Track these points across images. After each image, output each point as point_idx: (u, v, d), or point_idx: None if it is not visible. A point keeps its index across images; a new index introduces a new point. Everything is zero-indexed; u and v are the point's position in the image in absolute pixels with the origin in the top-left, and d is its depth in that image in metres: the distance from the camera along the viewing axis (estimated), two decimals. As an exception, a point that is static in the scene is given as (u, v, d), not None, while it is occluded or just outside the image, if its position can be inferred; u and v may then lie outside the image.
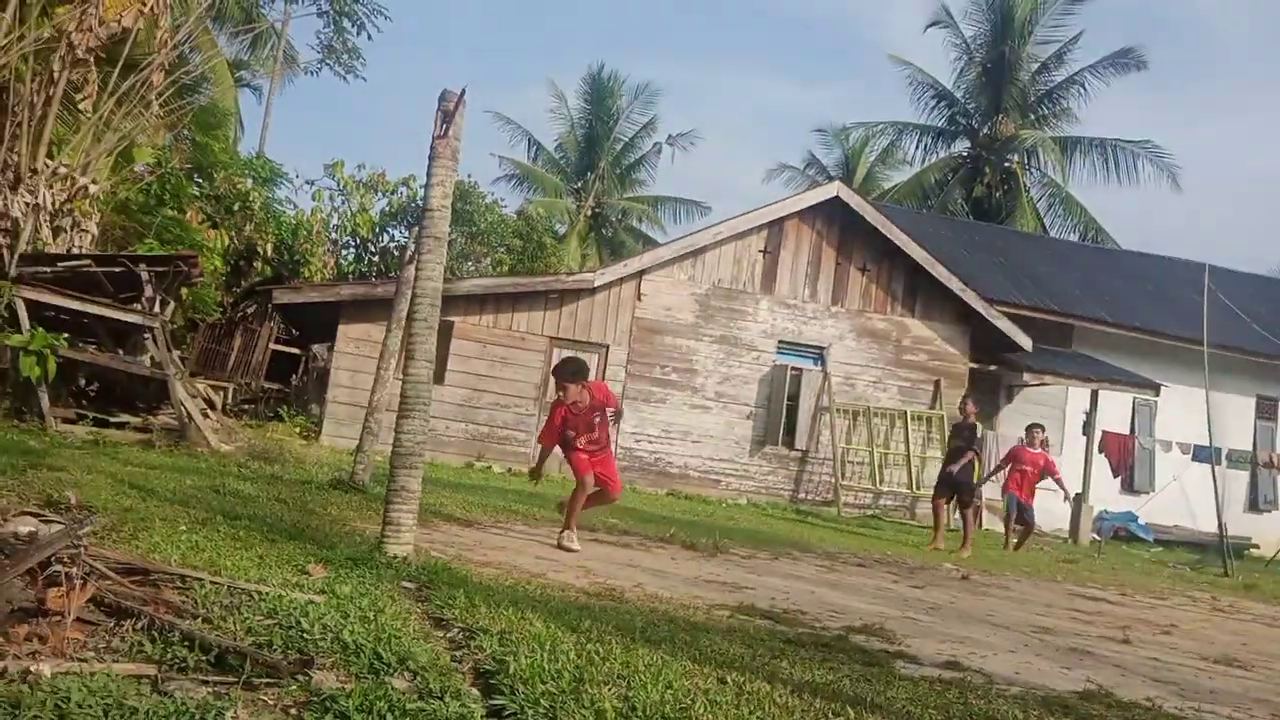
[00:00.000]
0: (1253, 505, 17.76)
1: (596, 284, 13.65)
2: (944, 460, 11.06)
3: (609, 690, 2.61)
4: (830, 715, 2.70)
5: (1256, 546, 16.14)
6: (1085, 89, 26.93)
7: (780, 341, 14.52)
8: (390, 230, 19.77)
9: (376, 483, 7.02)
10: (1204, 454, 14.54)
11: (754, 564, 6.73)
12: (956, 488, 10.44)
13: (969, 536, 10.19)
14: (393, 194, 19.67)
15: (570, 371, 6.39)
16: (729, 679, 2.96)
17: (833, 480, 14.19)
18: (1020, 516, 11.47)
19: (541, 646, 2.94)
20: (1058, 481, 11.68)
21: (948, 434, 12.58)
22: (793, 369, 14.39)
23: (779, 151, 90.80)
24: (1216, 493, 13.91)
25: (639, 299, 13.97)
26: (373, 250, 19.72)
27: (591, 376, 6.94)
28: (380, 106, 79.39)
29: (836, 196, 14.53)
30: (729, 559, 6.77)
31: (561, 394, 6.41)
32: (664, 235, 29.59)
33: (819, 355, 14.65)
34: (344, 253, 19.70)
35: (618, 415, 6.86)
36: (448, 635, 3.17)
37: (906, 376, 14.71)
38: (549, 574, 4.86)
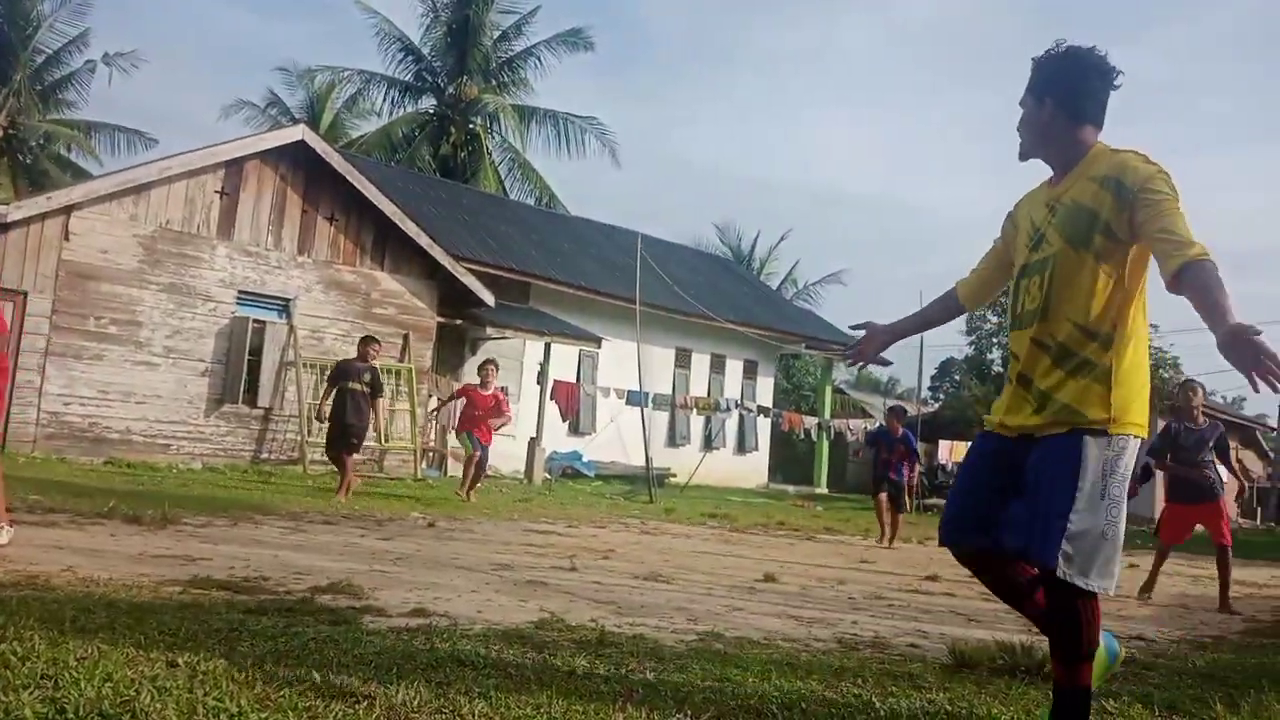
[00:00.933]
0: (671, 441, 20.67)
1: (10, 218, 11.62)
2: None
3: (30, 695, 2.26)
4: (295, 682, 2.61)
5: (674, 475, 18.87)
6: (541, 62, 28.82)
7: (241, 292, 13.63)
8: None
9: None
10: (636, 398, 16.59)
11: (210, 532, 6.28)
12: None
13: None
14: None
15: None
16: (181, 661, 2.72)
17: (298, 438, 13.74)
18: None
19: (-64, 655, 2.45)
20: (506, 419, 12.02)
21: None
22: (255, 321, 13.60)
23: (238, 87, 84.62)
24: (644, 431, 15.97)
25: (66, 239, 12.19)
26: None
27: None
28: None
29: (302, 140, 13.92)
30: (181, 530, 6.24)
31: None
32: (100, 167, 26.04)
33: (284, 307, 14.02)
34: None
35: None
36: None
37: (376, 330, 14.64)
38: (-52, 565, 4.08)
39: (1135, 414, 2.55)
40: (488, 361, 11.80)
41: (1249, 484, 35.52)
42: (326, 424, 10.30)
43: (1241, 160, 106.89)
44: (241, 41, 78.55)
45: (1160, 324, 30.05)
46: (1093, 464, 2.48)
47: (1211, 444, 7.69)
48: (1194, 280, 2.32)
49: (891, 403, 19.52)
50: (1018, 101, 2.75)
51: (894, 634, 4.53)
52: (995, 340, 23.83)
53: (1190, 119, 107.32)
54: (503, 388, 15.53)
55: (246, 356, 13.46)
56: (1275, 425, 36.37)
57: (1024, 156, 2.77)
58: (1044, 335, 2.60)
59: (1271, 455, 35.67)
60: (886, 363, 30.75)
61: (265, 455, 13.74)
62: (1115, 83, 2.68)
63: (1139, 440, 2.57)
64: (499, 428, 11.53)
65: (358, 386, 9.96)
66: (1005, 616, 5.66)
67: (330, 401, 10.10)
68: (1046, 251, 2.63)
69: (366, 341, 10.36)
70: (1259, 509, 33.38)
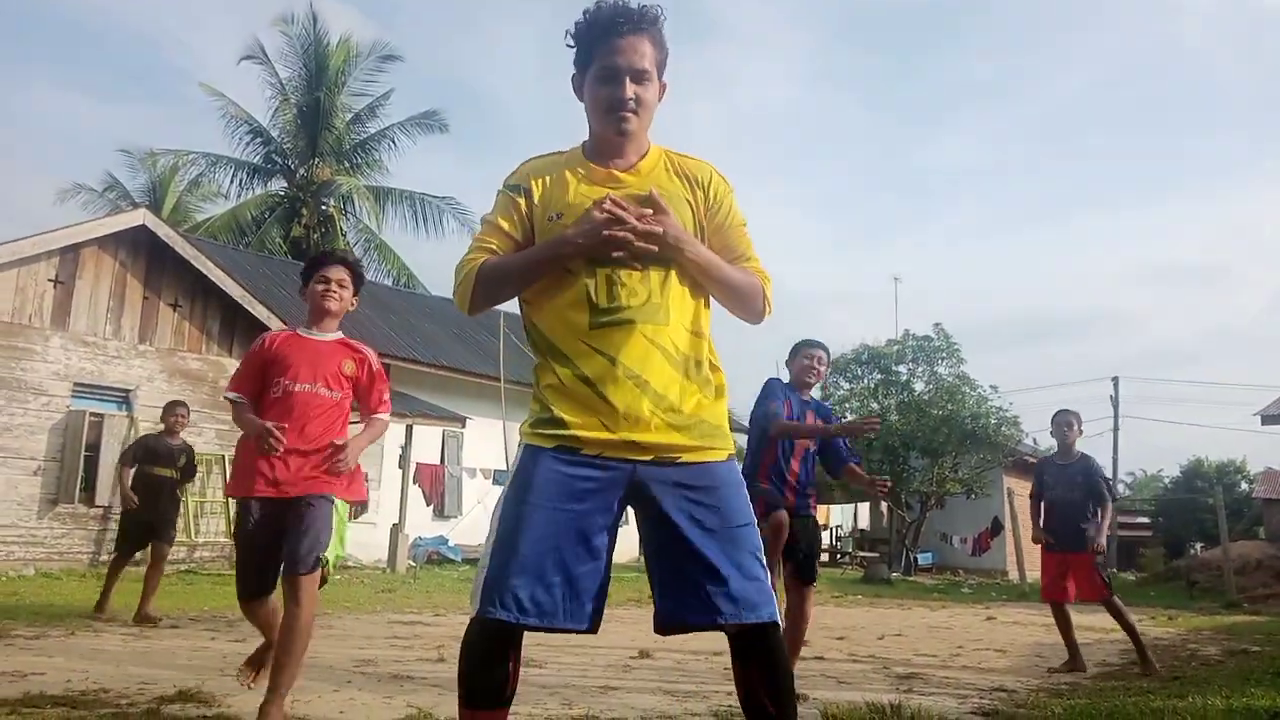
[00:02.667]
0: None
1: None
2: None
3: None
4: (139, 804, 2.41)
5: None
6: (395, 143, 28.74)
7: (76, 384, 12.85)
8: None
9: None
10: (502, 477, 16.29)
11: (44, 644, 5.80)
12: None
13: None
14: None
15: None
16: (7, 790, 2.48)
17: (142, 536, 12.93)
18: None
19: None
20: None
21: None
22: (92, 415, 12.82)
23: (73, 170, 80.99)
24: (513, 512, 15.66)
25: (-121, 335, 11.27)
26: None
27: None
28: None
29: (143, 225, 13.37)
30: (11, 643, 5.75)
31: None
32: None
33: (124, 399, 13.29)
34: None
35: None
36: None
37: (224, 419, 14.04)
38: None
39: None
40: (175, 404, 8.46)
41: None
42: (120, 515, 8.38)
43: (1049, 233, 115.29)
44: (78, 125, 75.47)
45: (999, 385, 31.78)
46: None
47: (1083, 481, 6.69)
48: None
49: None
50: (635, 76, 2.26)
51: (768, 703, 4.53)
52: (847, 406, 24.65)
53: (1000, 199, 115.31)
54: (364, 474, 15.16)
55: (83, 452, 12.64)
56: (1110, 477, 38.66)
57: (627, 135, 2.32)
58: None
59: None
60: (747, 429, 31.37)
61: (105, 557, 12.82)
62: None
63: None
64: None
65: (166, 473, 8.03)
66: (873, 677, 5.76)
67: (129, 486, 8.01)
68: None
69: (172, 409, 8.20)
70: (1100, 556, 35.21)
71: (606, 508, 2.15)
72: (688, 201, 2.31)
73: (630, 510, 2.22)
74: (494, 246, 2.30)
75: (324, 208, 28.01)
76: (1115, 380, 36.48)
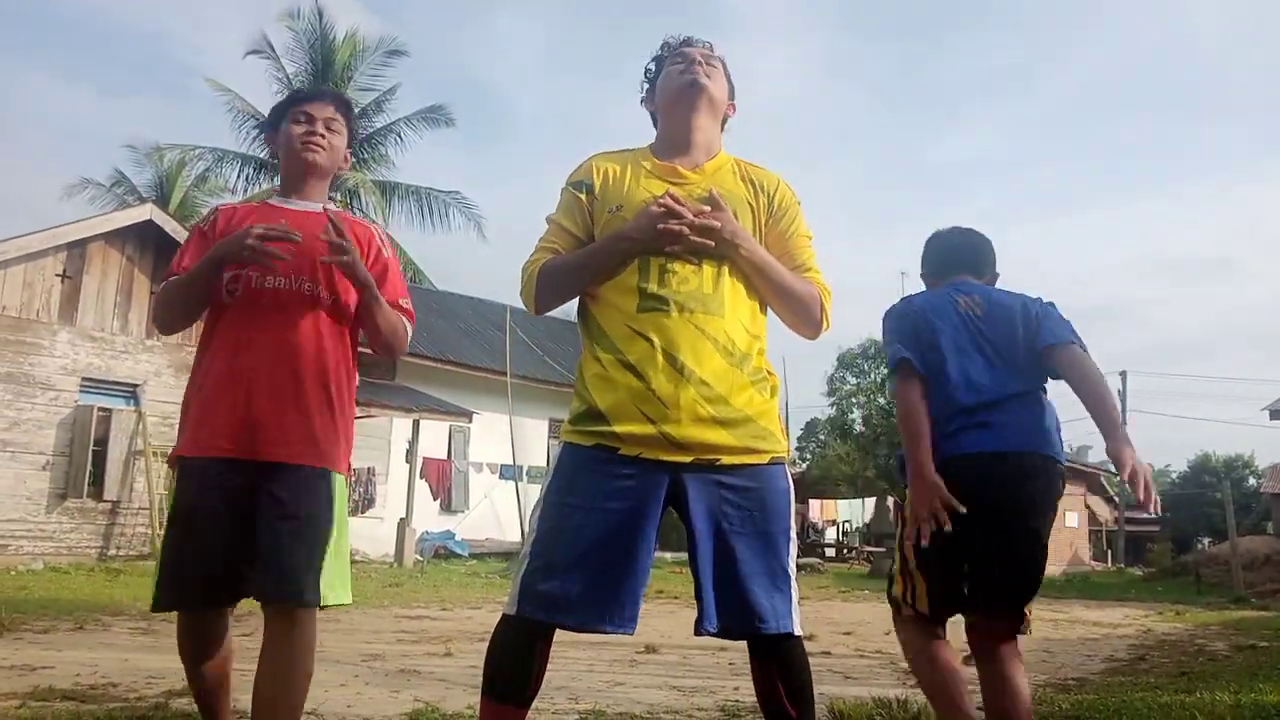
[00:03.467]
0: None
1: None
2: None
3: None
4: (147, 798, 2.42)
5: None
6: (402, 138, 28.72)
7: (84, 379, 12.90)
8: None
9: None
10: (509, 472, 16.38)
11: (53, 638, 5.83)
12: None
13: None
14: None
15: None
16: (16, 784, 2.49)
17: (149, 531, 12.98)
18: None
19: None
20: None
21: None
22: (100, 410, 12.88)
23: (80, 165, 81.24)
24: (519, 506, 15.74)
25: (-112, 330, 11.32)
26: None
27: None
28: None
29: (150, 220, 13.41)
30: (20, 637, 5.77)
31: None
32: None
33: (132, 393, 13.33)
34: None
35: None
36: None
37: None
38: None
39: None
40: None
41: (1098, 528, 37.48)
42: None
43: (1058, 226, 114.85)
44: (84, 121, 75.68)
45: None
46: None
47: None
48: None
49: None
50: (707, 67, 2.40)
51: (775, 698, 4.53)
52: (854, 401, 24.61)
53: (1022, 188, 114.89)
54: (369, 468, 15.21)
55: (91, 447, 12.70)
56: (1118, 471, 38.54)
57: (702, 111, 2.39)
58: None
59: (1117, 500, 37.80)
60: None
61: (113, 551, 12.90)
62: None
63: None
64: None
65: None
66: (880, 672, 5.75)
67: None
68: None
69: None
70: (1109, 551, 35.25)
71: (646, 509, 2.12)
72: (750, 204, 2.33)
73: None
74: (557, 246, 2.33)
75: (330, 202, 28.04)
76: (1123, 374, 36.42)
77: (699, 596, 2.14)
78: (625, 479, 2.11)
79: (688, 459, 2.11)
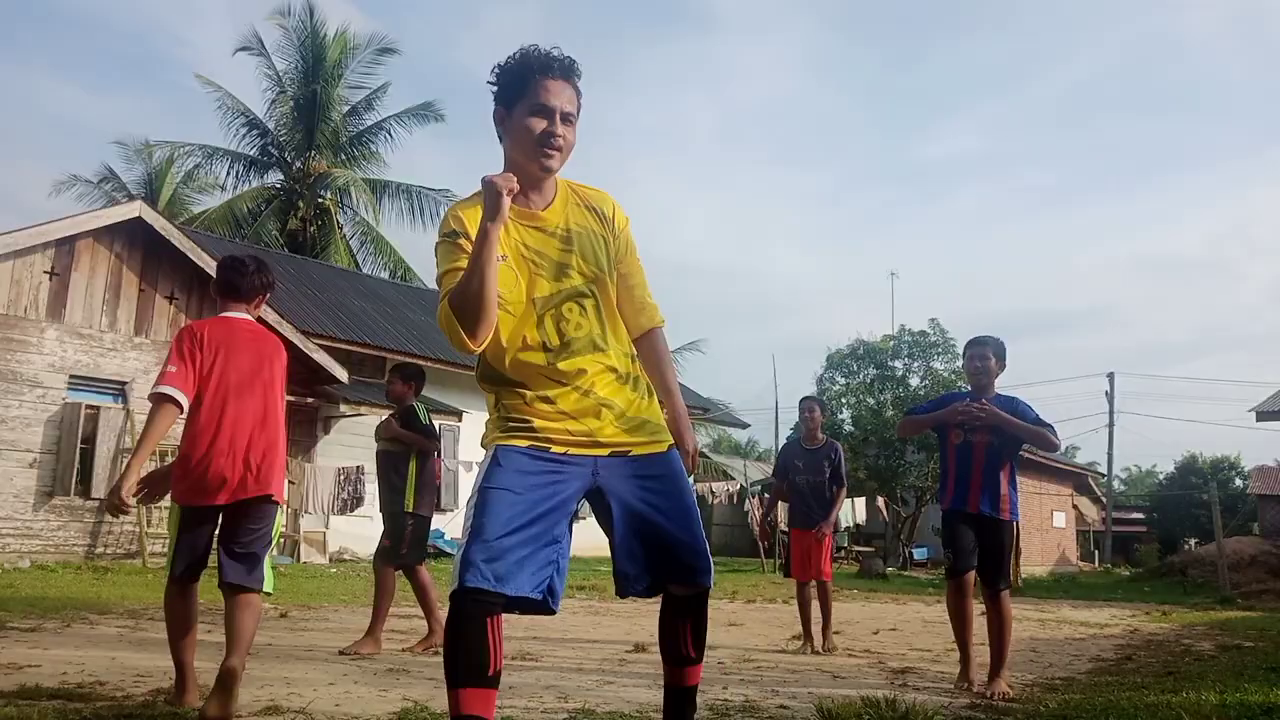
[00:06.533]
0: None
1: None
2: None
3: None
4: (134, 796, 2.42)
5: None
6: (392, 136, 28.69)
7: (72, 376, 12.84)
8: None
9: None
10: (499, 472, 16.34)
11: (40, 636, 5.80)
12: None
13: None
14: None
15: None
16: (3, 782, 2.48)
17: (137, 530, 12.93)
18: None
19: None
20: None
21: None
22: (88, 407, 12.82)
23: (69, 162, 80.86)
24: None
25: (-126, 326, 11.24)
26: None
27: None
28: None
29: (139, 217, 13.35)
30: (6, 635, 5.74)
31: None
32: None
33: (120, 391, 13.27)
34: None
35: None
36: None
37: (221, 412, 14.05)
38: None
39: None
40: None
41: (1085, 529, 37.63)
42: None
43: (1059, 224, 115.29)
44: (73, 116, 75.31)
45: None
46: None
47: (828, 464, 7.05)
48: (660, 342, 2.70)
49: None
50: (564, 118, 2.43)
51: (763, 697, 4.55)
52: (843, 401, 24.66)
53: (1012, 187, 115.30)
54: (358, 466, 15.14)
55: (79, 445, 12.64)
56: (1105, 472, 38.82)
57: (552, 172, 2.49)
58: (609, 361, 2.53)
59: (1104, 500, 37.97)
60: (744, 424, 31.45)
61: (101, 549, 12.85)
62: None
63: None
64: None
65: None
66: (868, 672, 5.77)
67: None
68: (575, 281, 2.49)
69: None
70: (1096, 552, 35.41)
71: (568, 496, 2.38)
72: (602, 237, 2.54)
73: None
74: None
75: (320, 200, 27.96)
76: (1111, 376, 36.56)
77: (628, 561, 2.42)
78: (552, 472, 2.38)
79: (606, 452, 2.45)
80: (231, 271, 4.17)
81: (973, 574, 5.11)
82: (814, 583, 6.97)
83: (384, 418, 6.44)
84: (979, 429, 5.13)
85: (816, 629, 6.88)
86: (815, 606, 6.95)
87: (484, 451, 2.50)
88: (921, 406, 5.87)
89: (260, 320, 4.29)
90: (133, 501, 3.86)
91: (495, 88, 2.47)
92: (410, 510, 6.02)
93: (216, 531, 3.91)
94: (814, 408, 7.32)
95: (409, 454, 6.04)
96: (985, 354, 5.39)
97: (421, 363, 17.99)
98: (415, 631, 6.88)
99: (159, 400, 3.82)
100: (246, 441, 3.82)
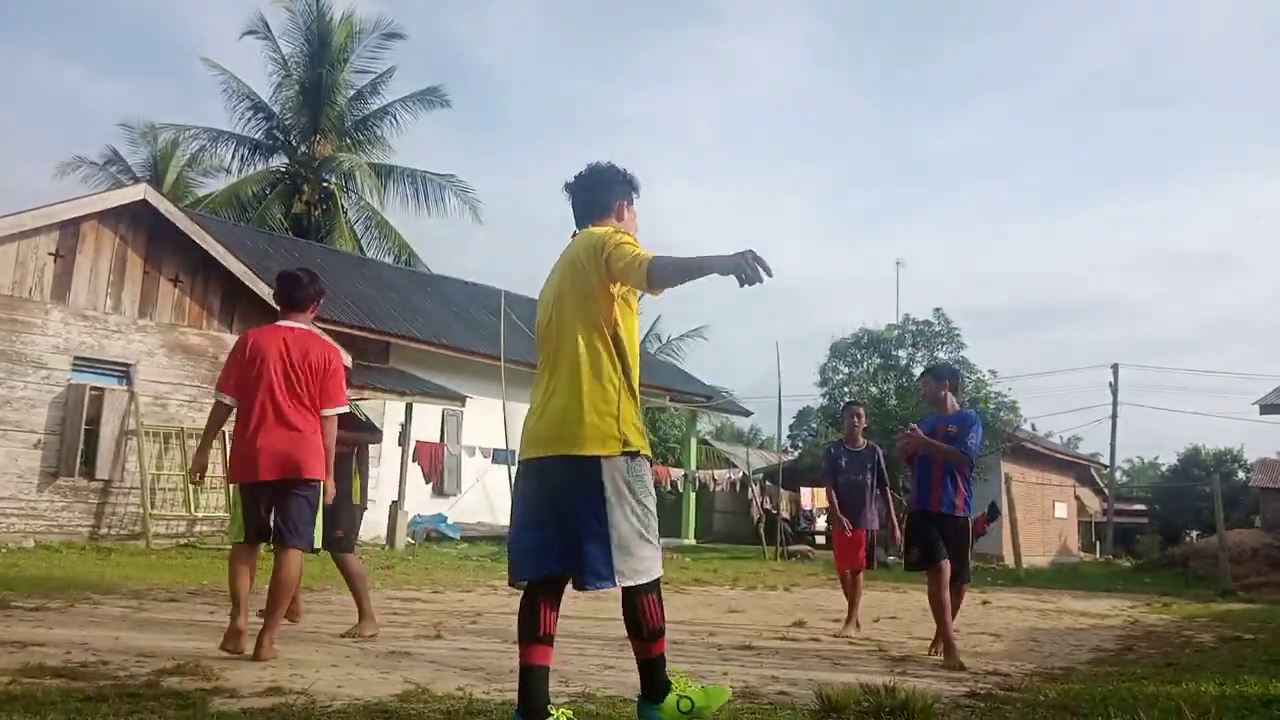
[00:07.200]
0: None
1: None
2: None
3: None
4: (137, 774, 2.43)
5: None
6: (397, 120, 28.62)
7: (77, 358, 12.87)
8: None
9: None
10: (502, 456, 16.35)
11: (44, 616, 5.83)
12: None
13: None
14: None
15: None
16: (7, 759, 2.50)
17: (140, 511, 12.98)
18: None
19: None
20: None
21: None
22: (93, 389, 12.85)
23: (74, 144, 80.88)
24: (511, 490, 15.70)
25: (-121, 306, 11.26)
26: None
27: None
28: None
29: (143, 199, 13.34)
30: (10, 614, 5.78)
31: None
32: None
33: (124, 373, 13.30)
34: None
35: None
36: None
37: (225, 395, 14.07)
38: None
39: None
40: None
41: (1087, 519, 37.63)
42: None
43: (1055, 223, 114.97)
44: (78, 98, 75.23)
45: (998, 370, 31.78)
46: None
47: (870, 466, 7.58)
48: (663, 267, 3.03)
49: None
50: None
51: (763, 683, 4.56)
52: (846, 390, 24.66)
53: (1013, 183, 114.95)
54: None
55: (83, 426, 12.68)
56: (1108, 463, 38.82)
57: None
58: None
59: (1106, 492, 37.96)
60: (748, 412, 31.48)
61: (105, 530, 12.90)
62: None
63: None
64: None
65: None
66: (868, 658, 5.79)
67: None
68: None
69: None
70: (1098, 543, 35.42)
71: None
72: None
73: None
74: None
75: (325, 185, 27.93)
76: (1115, 367, 36.47)
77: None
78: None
79: None
80: (289, 285, 4.92)
81: (948, 563, 5.85)
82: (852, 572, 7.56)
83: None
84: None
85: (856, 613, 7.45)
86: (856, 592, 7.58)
87: (629, 456, 3.11)
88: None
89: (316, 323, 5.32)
90: (197, 477, 4.93)
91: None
92: (358, 503, 6.07)
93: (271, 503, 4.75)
94: (859, 413, 7.84)
95: (353, 452, 6.11)
96: (931, 381, 6.51)
97: (425, 348, 18.09)
98: (418, 614, 6.91)
99: (216, 401, 4.86)
100: (287, 429, 4.67)
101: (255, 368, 4.69)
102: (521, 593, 3.15)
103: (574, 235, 3.43)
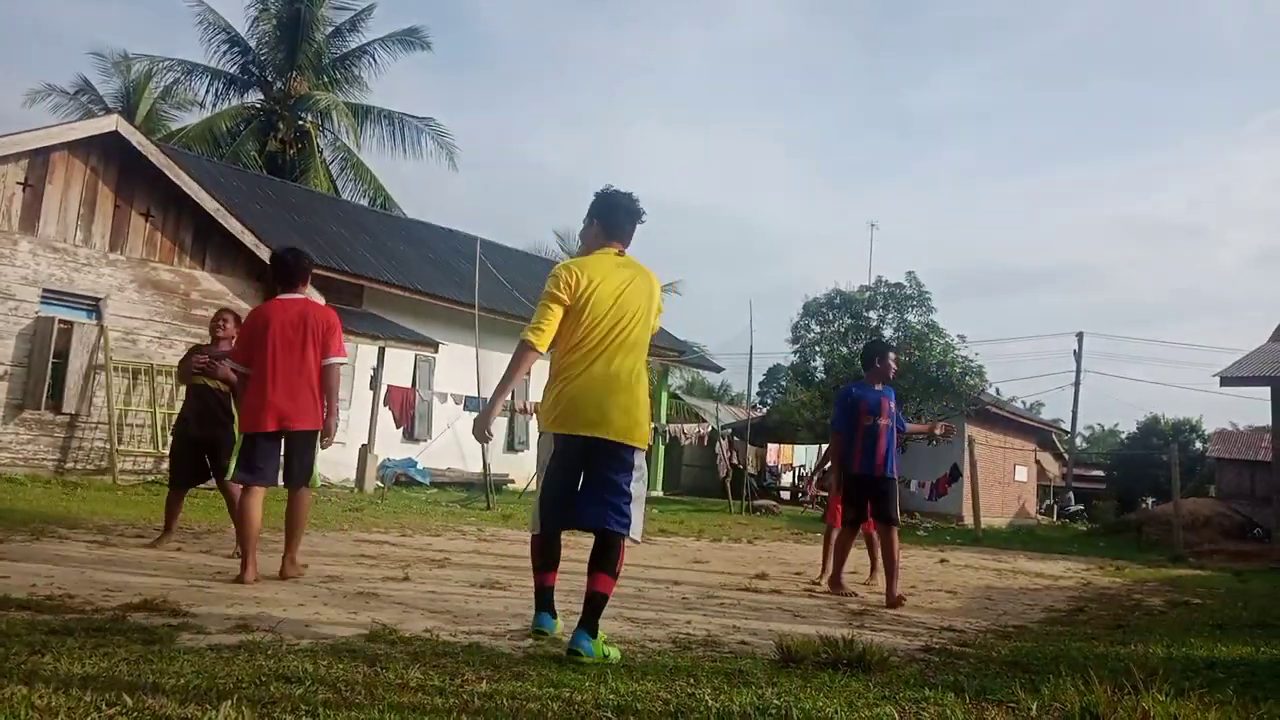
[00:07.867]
0: (510, 446, 20.51)
1: None
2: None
3: None
4: (104, 706, 2.46)
5: (513, 481, 18.74)
6: (376, 60, 28.13)
7: (46, 290, 12.68)
8: None
9: None
10: (473, 404, 16.36)
11: (9, 549, 5.83)
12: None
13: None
14: None
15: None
16: (-25, 687, 2.52)
17: (107, 446, 12.91)
18: None
19: None
20: None
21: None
22: (61, 322, 12.69)
23: (45, 72, 78.80)
24: (482, 438, 15.71)
25: None
26: None
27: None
28: None
29: (115, 131, 13.08)
30: (-26, 545, 5.76)
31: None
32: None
33: (94, 307, 13.14)
34: None
35: None
36: None
37: (195, 332, 13.93)
38: None
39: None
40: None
41: (1046, 483, 38.27)
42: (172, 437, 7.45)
43: (1044, 181, 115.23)
44: (49, 24, 73.17)
45: (967, 334, 32.01)
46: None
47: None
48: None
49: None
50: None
51: (725, 632, 4.66)
52: (817, 349, 24.80)
53: (995, 142, 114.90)
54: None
55: (51, 359, 12.54)
56: (1069, 429, 39.39)
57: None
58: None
59: (1066, 456, 38.59)
60: (719, 368, 31.59)
61: (70, 465, 12.82)
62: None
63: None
64: None
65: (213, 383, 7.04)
66: (828, 611, 5.91)
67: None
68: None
69: (220, 316, 7.23)
70: (1055, 506, 36.05)
71: None
72: None
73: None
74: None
75: (301, 123, 27.47)
76: (1079, 335, 36.88)
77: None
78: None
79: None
80: (281, 266, 5.77)
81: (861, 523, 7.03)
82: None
83: (193, 356, 7.16)
84: (883, 415, 6.97)
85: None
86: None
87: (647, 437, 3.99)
88: (839, 415, 7.20)
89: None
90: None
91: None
92: (238, 433, 6.00)
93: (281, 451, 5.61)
94: (894, 355, 7.76)
95: (231, 389, 6.74)
96: (894, 355, 7.50)
97: (399, 293, 17.98)
98: (386, 557, 6.96)
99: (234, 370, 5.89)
100: (289, 386, 5.49)
101: (261, 336, 5.53)
102: (534, 536, 4.05)
103: (622, 253, 4.09)
